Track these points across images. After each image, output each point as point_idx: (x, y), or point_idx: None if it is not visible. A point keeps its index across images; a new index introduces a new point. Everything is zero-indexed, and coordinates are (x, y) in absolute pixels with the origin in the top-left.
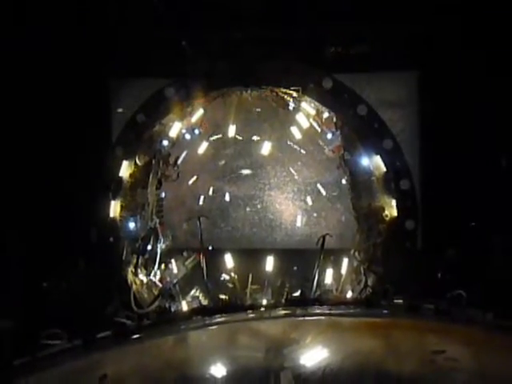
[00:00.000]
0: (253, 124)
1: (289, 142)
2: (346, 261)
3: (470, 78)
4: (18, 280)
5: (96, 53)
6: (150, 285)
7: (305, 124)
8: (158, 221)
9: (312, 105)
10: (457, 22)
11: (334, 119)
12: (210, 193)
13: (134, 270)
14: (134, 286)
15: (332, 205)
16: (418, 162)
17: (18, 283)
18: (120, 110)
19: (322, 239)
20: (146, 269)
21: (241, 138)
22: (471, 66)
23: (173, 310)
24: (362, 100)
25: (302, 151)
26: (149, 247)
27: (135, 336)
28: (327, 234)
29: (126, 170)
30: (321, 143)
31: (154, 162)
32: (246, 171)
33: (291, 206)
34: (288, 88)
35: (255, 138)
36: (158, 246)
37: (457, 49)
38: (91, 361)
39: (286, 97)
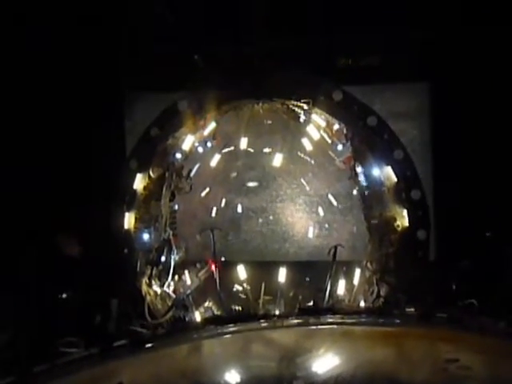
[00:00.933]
0: (264, 136)
1: (300, 154)
2: (358, 272)
3: (480, 88)
4: (36, 290)
5: (111, 67)
6: (164, 296)
7: (315, 136)
8: (171, 232)
9: (322, 117)
10: (467, 33)
11: (345, 131)
12: (223, 205)
13: (148, 281)
14: (148, 297)
15: (343, 216)
16: (429, 172)
17: (36, 293)
18: (134, 124)
19: (333, 250)
20: (159, 280)
21: (252, 150)
22: (481, 75)
23: (186, 320)
24: (371, 111)
25: (313, 163)
26: (162, 258)
27: (150, 345)
28: (339, 244)
29: (140, 183)
30: (331, 155)
31: (167, 174)
32: (257, 183)
33: (303, 218)
34: (299, 100)
35: (267, 150)
36: (172, 257)
37: (467, 59)
38: (107, 369)
39: (296, 109)
